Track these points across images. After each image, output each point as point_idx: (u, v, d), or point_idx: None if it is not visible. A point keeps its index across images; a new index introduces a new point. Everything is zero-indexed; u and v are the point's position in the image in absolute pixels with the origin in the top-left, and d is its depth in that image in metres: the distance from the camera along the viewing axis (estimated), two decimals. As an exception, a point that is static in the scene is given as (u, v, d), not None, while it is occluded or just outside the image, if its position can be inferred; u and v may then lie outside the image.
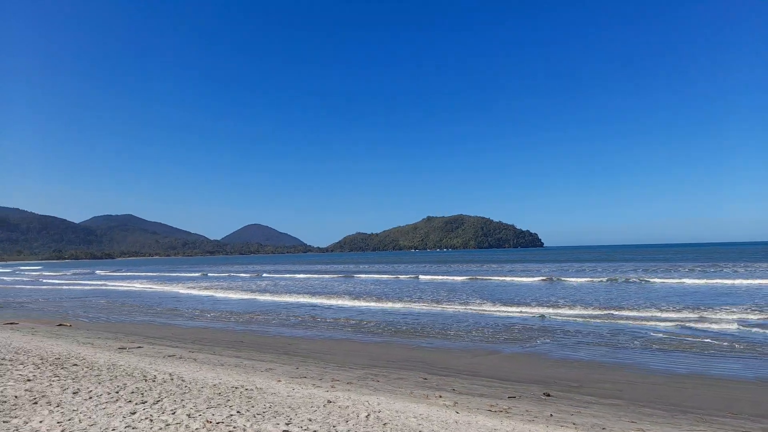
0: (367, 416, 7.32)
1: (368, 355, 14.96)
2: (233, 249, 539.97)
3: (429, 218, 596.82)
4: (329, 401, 8.23)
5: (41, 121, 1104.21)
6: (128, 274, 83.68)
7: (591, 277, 44.34)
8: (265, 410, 7.27)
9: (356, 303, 29.03)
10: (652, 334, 17.37)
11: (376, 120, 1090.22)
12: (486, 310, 24.49)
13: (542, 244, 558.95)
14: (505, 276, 49.78)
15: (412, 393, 10.20)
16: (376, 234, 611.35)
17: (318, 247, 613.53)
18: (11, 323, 21.24)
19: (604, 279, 42.30)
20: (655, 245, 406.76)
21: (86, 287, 49.84)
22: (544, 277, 45.72)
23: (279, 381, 10.38)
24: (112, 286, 51.67)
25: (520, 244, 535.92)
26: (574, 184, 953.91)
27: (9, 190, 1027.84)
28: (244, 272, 77.39)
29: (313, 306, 28.40)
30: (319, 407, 7.71)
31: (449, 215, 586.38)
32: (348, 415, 7.34)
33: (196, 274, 74.81)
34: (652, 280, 40.30)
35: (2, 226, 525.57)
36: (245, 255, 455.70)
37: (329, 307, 27.56)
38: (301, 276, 61.47)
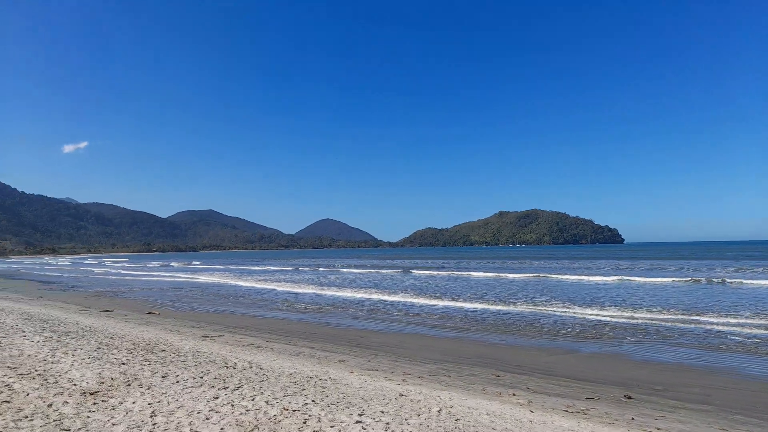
0: (438, 411, 7.30)
1: (439, 350, 14.90)
2: (306, 243, 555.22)
3: (501, 213, 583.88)
4: (401, 394, 8.28)
5: (133, 125, 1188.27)
6: (203, 267, 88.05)
7: (673, 277, 41.52)
8: (338, 400, 7.44)
9: (422, 300, 28.81)
10: (744, 338, 16.06)
11: (448, 116, 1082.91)
12: (559, 311, 23.63)
13: (622, 240, 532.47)
14: (580, 275, 47.70)
15: (485, 390, 10.06)
16: (447, 229, 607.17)
17: (388, 242, 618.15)
18: (107, 311, 23.06)
19: (688, 279, 39.42)
20: (746, 242, 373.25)
21: (166, 279, 52.91)
22: (620, 277, 43.44)
23: (352, 373, 10.58)
24: (186, 278, 54.48)
25: (598, 240, 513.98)
26: (655, 177, 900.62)
27: (105, 188, 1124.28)
28: (310, 266, 79.22)
29: (379, 301, 28.61)
30: (391, 400, 7.78)
31: (522, 210, 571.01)
32: (420, 409, 7.36)
33: (271, 267, 77.70)
34: (741, 280, 37.14)
35: (99, 220, 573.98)
36: (318, 249, 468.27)
37: (395, 303, 27.62)
38: (361, 271, 61.87)
